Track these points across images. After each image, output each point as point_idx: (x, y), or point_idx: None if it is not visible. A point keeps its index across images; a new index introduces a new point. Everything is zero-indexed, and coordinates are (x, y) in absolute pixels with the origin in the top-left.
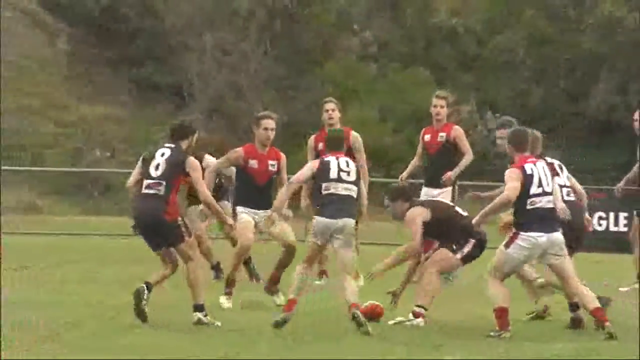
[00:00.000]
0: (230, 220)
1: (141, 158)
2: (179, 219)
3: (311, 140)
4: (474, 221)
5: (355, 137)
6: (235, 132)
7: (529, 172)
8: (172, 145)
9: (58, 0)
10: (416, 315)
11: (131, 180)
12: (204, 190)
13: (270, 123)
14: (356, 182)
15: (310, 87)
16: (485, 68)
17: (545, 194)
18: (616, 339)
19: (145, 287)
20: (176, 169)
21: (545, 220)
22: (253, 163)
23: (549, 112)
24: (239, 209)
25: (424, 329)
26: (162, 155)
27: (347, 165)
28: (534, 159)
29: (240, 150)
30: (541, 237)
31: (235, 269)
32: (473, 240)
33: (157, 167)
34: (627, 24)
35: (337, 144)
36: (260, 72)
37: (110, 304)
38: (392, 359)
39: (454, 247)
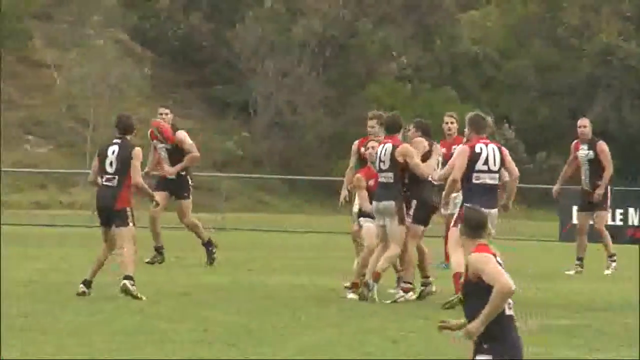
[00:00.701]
0: (157, 197)
1: (96, 154)
2: (128, 208)
3: (355, 144)
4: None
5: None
6: (292, 142)
7: (477, 150)
8: (119, 141)
9: (144, 31)
10: (406, 290)
11: (91, 176)
12: (136, 176)
13: (371, 123)
14: (390, 169)
15: (355, 105)
16: (501, 88)
17: (490, 171)
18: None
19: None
20: (126, 162)
21: (486, 195)
22: None
23: (554, 125)
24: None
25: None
26: (113, 152)
27: (384, 154)
28: (486, 141)
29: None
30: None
31: (363, 268)
32: (415, 201)
33: (110, 164)
34: (620, 51)
35: (391, 127)
36: (313, 92)
37: (192, 283)
38: (411, 332)
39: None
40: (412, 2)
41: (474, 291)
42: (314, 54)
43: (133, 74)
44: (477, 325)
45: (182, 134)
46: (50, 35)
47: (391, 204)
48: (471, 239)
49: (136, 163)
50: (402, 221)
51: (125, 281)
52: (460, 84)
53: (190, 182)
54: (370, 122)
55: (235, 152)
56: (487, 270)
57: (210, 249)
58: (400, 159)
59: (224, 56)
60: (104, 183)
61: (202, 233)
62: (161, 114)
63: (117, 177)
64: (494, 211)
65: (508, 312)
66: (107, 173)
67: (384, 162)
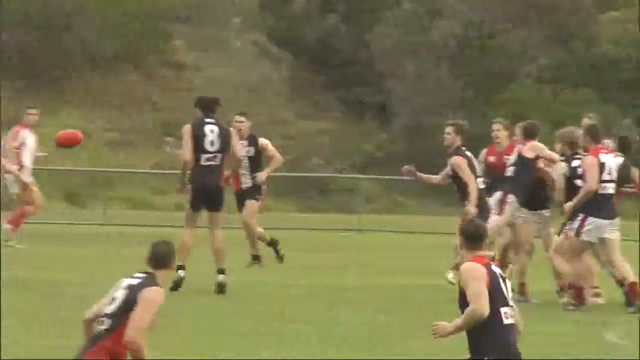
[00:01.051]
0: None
1: (190, 134)
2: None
3: (482, 153)
4: (566, 209)
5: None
6: (430, 143)
7: (602, 160)
8: (214, 120)
9: (282, 33)
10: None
11: (187, 154)
12: (238, 150)
13: (495, 125)
14: (513, 163)
15: (495, 107)
16: None
17: (611, 181)
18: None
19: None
20: (227, 140)
21: (610, 204)
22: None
23: None
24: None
25: None
26: (212, 132)
27: (513, 152)
28: (605, 150)
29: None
30: (605, 221)
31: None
32: (583, 216)
33: (212, 143)
34: None
35: (526, 133)
36: (451, 94)
37: (302, 284)
38: None
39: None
40: (552, 3)
41: (467, 302)
42: (452, 56)
43: (272, 76)
44: (448, 329)
45: (264, 141)
46: (190, 37)
47: (499, 193)
48: (469, 250)
49: (236, 138)
50: (500, 212)
51: (224, 276)
52: (600, 86)
53: (263, 187)
54: (447, 129)
55: (373, 153)
56: (470, 286)
57: (255, 262)
58: (528, 155)
59: (362, 58)
60: (206, 163)
61: (256, 244)
62: (237, 121)
63: (218, 155)
64: (617, 220)
65: (506, 321)
66: (208, 152)
67: (510, 157)
